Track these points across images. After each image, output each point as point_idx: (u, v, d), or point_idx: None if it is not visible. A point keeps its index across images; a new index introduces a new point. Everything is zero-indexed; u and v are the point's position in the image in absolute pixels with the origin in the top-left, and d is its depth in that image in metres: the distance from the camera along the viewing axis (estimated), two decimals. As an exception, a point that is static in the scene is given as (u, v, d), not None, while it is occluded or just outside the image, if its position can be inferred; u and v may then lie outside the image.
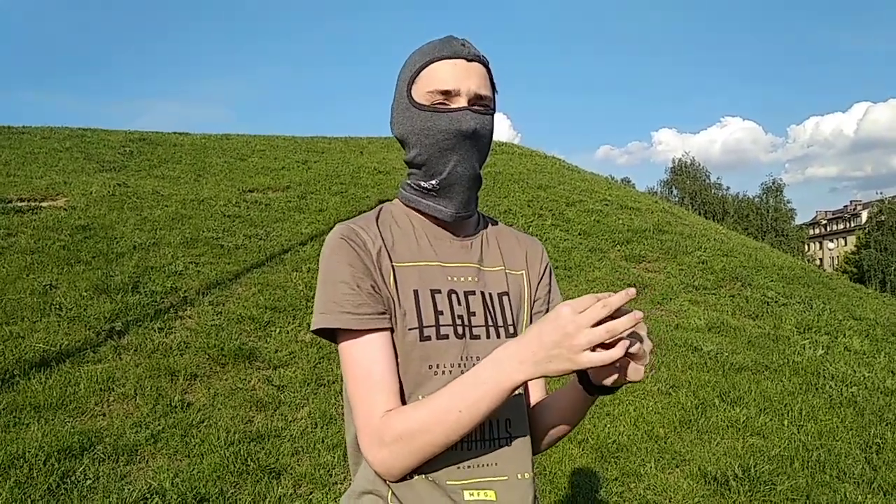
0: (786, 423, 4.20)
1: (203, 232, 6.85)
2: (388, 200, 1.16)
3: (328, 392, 4.07)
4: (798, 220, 59.67)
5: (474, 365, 0.97)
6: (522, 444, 1.08)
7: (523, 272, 1.19)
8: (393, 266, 1.06)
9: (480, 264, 1.14)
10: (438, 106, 1.06)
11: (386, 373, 1.00)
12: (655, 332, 5.69)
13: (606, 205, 10.04)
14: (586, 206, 9.69)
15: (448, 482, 1.00)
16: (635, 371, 0.90)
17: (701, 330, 5.93)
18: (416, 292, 1.05)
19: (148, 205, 7.63)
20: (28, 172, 8.63)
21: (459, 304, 1.08)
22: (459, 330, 1.06)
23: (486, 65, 1.10)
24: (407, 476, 1.00)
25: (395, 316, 1.03)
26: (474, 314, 1.08)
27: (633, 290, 0.83)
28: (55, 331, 4.36)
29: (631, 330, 0.83)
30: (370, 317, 1.01)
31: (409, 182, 1.14)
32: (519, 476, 1.06)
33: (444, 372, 1.03)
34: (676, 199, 48.39)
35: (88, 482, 2.86)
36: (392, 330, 1.03)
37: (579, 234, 8.41)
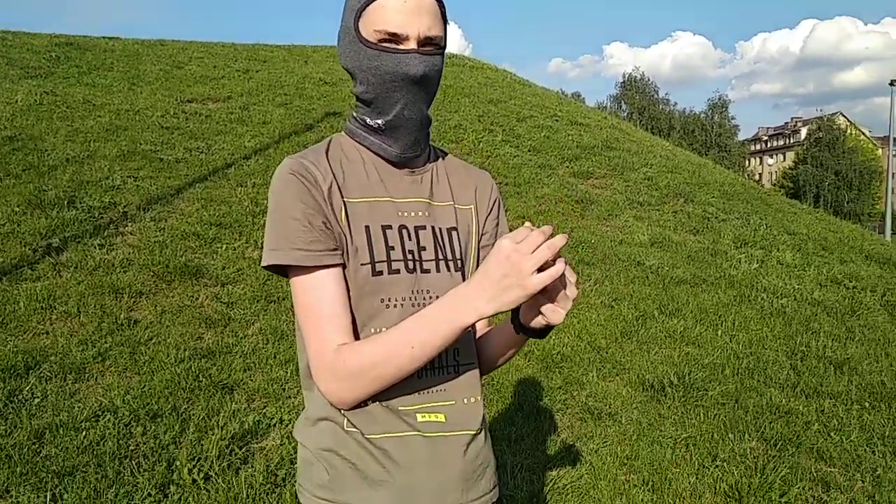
0: (719, 333, 4.44)
1: (140, 144, 6.56)
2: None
3: (278, 308, 4.07)
4: (741, 136, 61.03)
5: (424, 298, 1.04)
6: (469, 372, 1.14)
7: (472, 207, 1.20)
8: (344, 202, 1.05)
9: (430, 199, 1.14)
10: (386, 45, 1.02)
11: (338, 308, 1.02)
12: (600, 248, 5.85)
13: (556, 120, 10.01)
14: (536, 122, 9.64)
15: (401, 407, 1.06)
16: (555, 313, 0.93)
17: (644, 245, 6.11)
18: (367, 228, 1.06)
19: (79, 115, 7.21)
20: (-57, 78, 8.00)
21: (410, 238, 1.09)
22: (410, 265, 1.08)
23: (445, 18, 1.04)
24: (361, 404, 1.04)
25: (347, 251, 1.04)
26: (424, 249, 1.10)
27: (564, 236, 0.87)
28: (-12, 248, 4.18)
29: (563, 247, 0.87)
30: (322, 253, 1.01)
31: (356, 116, 1.12)
32: (465, 401, 1.12)
33: (395, 305, 1.06)
34: (625, 114, 48.64)
35: (37, 401, 2.83)
36: (344, 265, 1.04)
37: (529, 151, 8.41)
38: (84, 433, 2.63)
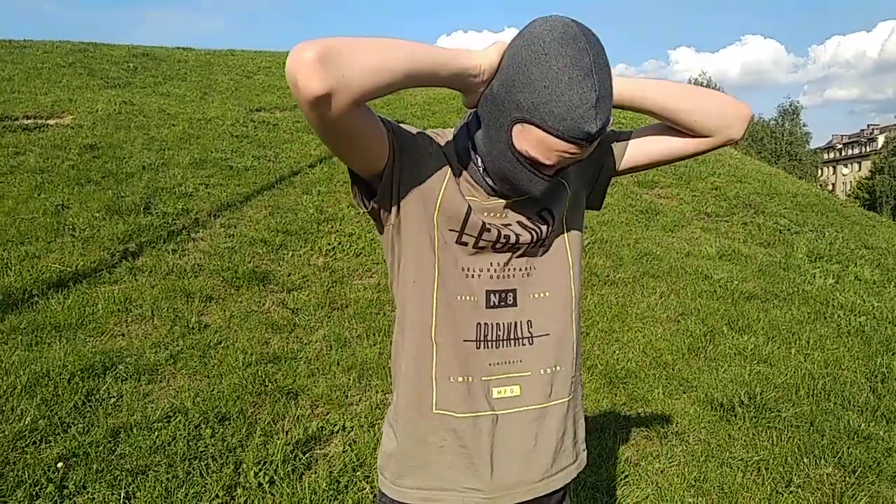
0: (793, 351, 4.25)
1: (212, 153, 6.79)
2: (397, 121, 1.14)
3: (342, 316, 4.12)
4: (813, 144, 58.66)
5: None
6: (544, 343, 1.18)
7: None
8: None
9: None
10: (525, 161, 1.02)
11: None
12: (666, 260, 5.70)
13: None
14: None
15: (482, 378, 1.13)
16: None
17: (712, 258, 5.93)
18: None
19: (155, 123, 7.53)
20: (32, 89, 8.48)
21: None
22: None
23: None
24: (449, 377, 1.12)
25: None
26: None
27: None
28: (70, 251, 4.39)
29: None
30: (390, 126, 1.07)
31: (472, 153, 1.13)
32: (542, 371, 1.17)
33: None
34: (690, 121, 47.48)
35: (112, 400, 2.95)
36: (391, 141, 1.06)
37: (592, 159, 8.28)
38: (156, 433, 2.72)
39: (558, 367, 1.19)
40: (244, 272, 4.41)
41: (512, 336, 1.15)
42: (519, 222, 1.14)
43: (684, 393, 3.67)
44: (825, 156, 72.23)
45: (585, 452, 1.31)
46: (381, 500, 1.22)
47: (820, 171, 63.17)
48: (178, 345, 3.50)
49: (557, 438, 1.20)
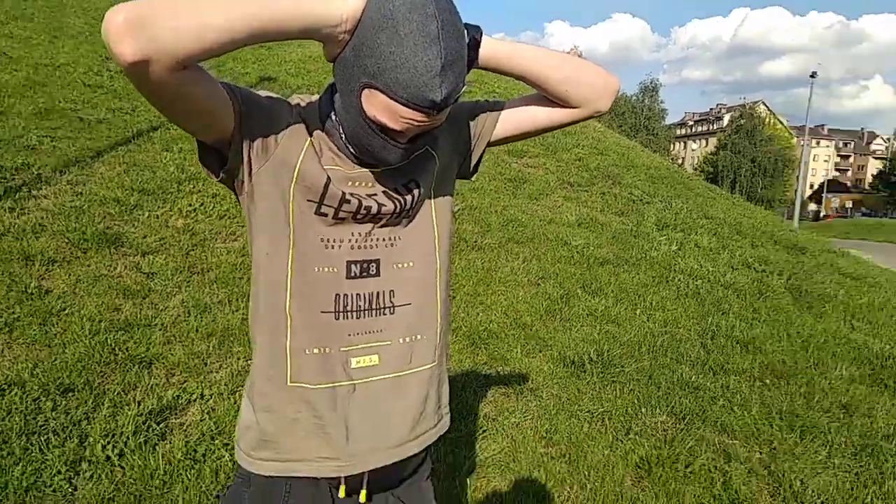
0: (638, 312, 4.62)
1: (59, 102, 6.21)
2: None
3: (202, 280, 3.97)
4: (668, 121, 62.86)
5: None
6: (406, 312, 1.19)
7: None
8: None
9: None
10: (376, 127, 1.01)
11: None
12: (530, 227, 5.95)
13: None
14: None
15: (340, 349, 1.13)
16: None
17: (572, 225, 6.26)
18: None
19: (-11, 67, 6.75)
20: None
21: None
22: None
23: (457, 100, 1.02)
24: (303, 351, 1.11)
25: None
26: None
27: None
28: None
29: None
30: (236, 92, 1.03)
31: (333, 119, 1.11)
32: (401, 340, 1.18)
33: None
34: (560, 92, 49.19)
35: (-65, 374, 2.69)
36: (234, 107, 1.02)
37: (463, 126, 8.41)
38: (-11, 408, 2.52)
39: (419, 336, 1.20)
40: (93, 234, 4.11)
41: (373, 306, 1.15)
42: (384, 192, 1.14)
43: (540, 352, 3.90)
44: (678, 131, 77.72)
45: (448, 416, 1.33)
46: (237, 471, 1.21)
47: (672, 146, 67.99)
48: (13, 312, 3.22)
49: (418, 404, 1.21)
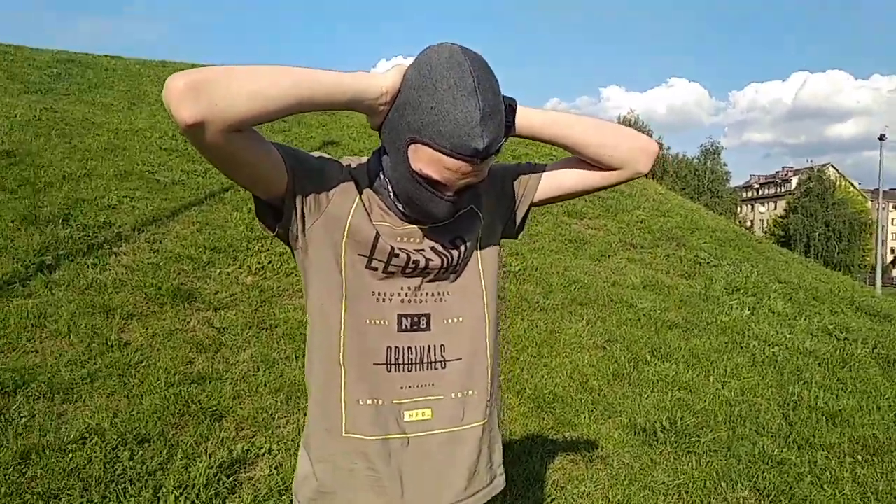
0: (711, 379, 4.43)
1: (138, 165, 6.56)
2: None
3: (270, 336, 4.03)
4: (732, 183, 61.81)
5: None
6: (456, 367, 1.20)
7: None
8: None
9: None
10: (423, 181, 1.05)
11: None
12: (593, 288, 5.86)
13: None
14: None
15: (393, 401, 1.15)
16: None
17: (636, 287, 6.13)
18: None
19: (78, 132, 7.22)
20: (-56, 90, 8.01)
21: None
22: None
23: (498, 151, 1.06)
24: (357, 401, 1.12)
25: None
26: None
27: None
28: (-21, 262, 4.14)
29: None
30: (289, 153, 1.10)
31: (381, 178, 1.15)
32: (453, 395, 1.19)
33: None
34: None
35: (24, 420, 2.77)
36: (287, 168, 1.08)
37: (525, 188, 8.45)
38: (70, 455, 2.58)
39: (470, 392, 1.21)
40: (168, 289, 4.26)
41: (425, 360, 1.17)
42: (432, 248, 1.17)
43: (609, 418, 3.76)
44: (744, 194, 76.19)
45: (503, 476, 1.32)
46: None
47: (739, 209, 66.54)
48: (95, 363, 3.33)
49: (471, 462, 1.21)
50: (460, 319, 1.21)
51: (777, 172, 78.87)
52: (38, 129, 7.05)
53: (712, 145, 56.13)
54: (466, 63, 0.98)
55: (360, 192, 1.14)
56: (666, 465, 3.30)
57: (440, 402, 1.18)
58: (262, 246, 5.27)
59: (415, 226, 1.16)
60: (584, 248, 7.05)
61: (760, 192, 78.44)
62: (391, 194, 1.13)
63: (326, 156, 1.18)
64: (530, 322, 5.01)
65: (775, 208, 68.61)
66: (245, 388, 3.42)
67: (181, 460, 2.68)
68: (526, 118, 1.17)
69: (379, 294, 1.14)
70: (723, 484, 3.14)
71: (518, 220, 1.34)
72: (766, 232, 53.97)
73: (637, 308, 5.57)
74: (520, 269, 5.98)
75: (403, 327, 1.15)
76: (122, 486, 2.49)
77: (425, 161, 1.02)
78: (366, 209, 1.13)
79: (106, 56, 12.33)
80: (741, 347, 5.08)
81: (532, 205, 1.33)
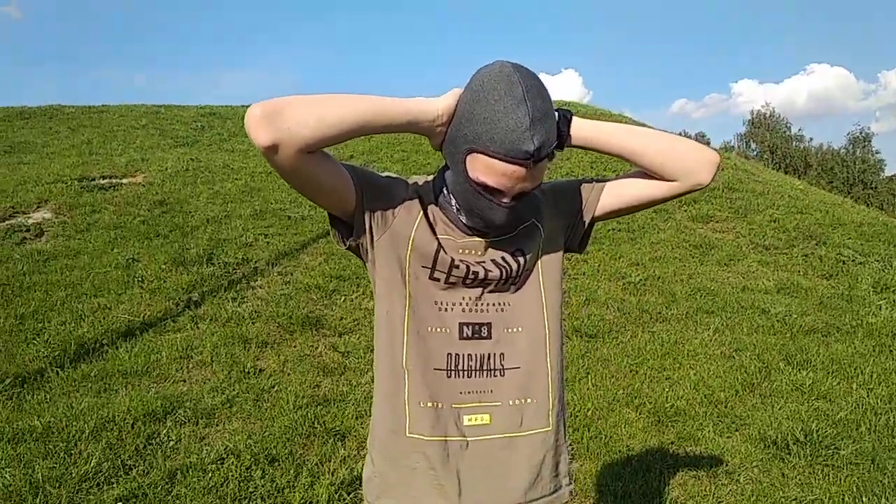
0: (854, 386, 4.09)
1: (271, 204, 7.12)
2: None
3: (390, 358, 4.22)
4: (888, 172, 55.98)
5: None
6: (515, 375, 1.25)
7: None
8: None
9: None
10: (480, 188, 1.13)
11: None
12: (721, 295, 5.59)
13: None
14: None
15: (452, 405, 1.22)
16: None
17: (769, 291, 5.78)
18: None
19: (219, 178, 7.96)
20: (108, 150, 9.13)
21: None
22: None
23: (551, 156, 1.12)
24: (418, 403, 1.20)
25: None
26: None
27: None
28: (138, 302, 4.68)
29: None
30: (358, 173, 1.20)
31: (445, 193, 1.24)
32: (511, 402, 1.24)
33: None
34: (755, 152, 46.25)
35: (171, 443, 3.12)
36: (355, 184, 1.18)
37: (644, 195, 8.22)
38: (210, 475, 2.86)
39: (529, 399, 1.25)
40: (298, 317, 4.59)
41: (484, 367, 1.23)
42: (493, 260, 1.24)
43: (736, 431, 3.58)
44: (903, 181, 68.76)
45: (569, 487, 1.34)
46: None
47: (898, 198, 60.12)
48: (234, 389, 3.67)
49: (532, 467, 1.25)
50: (520, 329, 1.27)
51: (945, 153, 70.55)
52: (186, 178, 7.85)
53: (861, 132, 51.20)
54: (515, 75, 1.06)
55: (425, 208, 1.23)
56: (799, 480, 3.10)
57: (498, 409, 1.23)
58: (382, 272, 5.53)
59: (478, 239, 1.24)
60: (711, 253, 6.74)
61: (925, 177, 70.48)
62: (455, 208, 1.21)
63: (394, 175, 1.28)
64: (651, 334, 4.87)
65: (946, 194, 61.33)
66: (367, 408, 3.61)
67: (306, 478, 2.89)
68: (581, 129, 1.22)
69: (441, 303, 1.23)
70: (864, 499, 2.90)
71: (581, 233, 1.38)
72: (934, 221, 48.30)
73: (770, 313, 5.26)
74: (640, 280, 5.83)
75: (465, 335, 1.23)
76: (254, 502, 2.72)
77: (481, 169, 1.09)
78: (430, 223, 1.22)
79: (243, 106, 13.48)
80: (891, 351, 4.64)
81: (595, 218, 1.36)
